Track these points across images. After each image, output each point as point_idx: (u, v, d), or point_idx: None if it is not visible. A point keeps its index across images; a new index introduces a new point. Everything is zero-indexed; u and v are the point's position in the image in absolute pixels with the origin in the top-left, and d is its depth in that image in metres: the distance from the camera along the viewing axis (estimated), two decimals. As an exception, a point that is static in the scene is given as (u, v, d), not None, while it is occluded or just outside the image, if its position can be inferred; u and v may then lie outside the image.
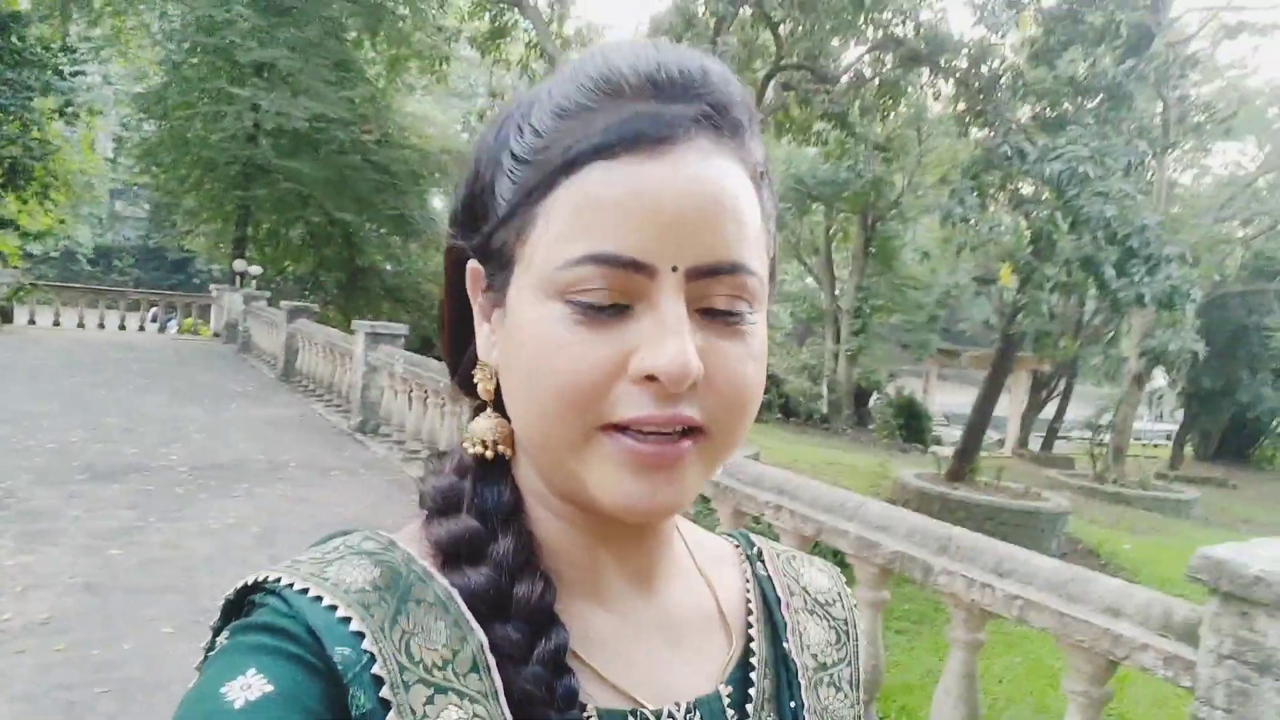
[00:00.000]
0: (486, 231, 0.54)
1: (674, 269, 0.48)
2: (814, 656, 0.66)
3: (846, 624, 0.70)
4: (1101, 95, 13.10)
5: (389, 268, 21.07)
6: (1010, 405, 28.47)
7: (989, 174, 12.74)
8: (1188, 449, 29.72)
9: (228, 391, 11.93)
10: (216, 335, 20.12)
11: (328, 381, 11.71)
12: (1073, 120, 12.87)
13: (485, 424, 0.57)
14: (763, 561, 0.69)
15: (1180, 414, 29.98)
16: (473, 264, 0.56)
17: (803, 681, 0.64)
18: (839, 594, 0.71)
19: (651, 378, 0.48)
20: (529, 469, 0.57)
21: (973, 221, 12.26)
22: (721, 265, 0.49)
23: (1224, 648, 2.25)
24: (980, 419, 19.82)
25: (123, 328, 20.41)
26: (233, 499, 6.48)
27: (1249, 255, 23.91)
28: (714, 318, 0.51)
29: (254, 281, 19.06)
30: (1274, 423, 29.41)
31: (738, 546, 0.70)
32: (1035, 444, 29.10)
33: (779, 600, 0.67)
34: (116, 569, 4.82)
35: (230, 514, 6.06)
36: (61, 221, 20.16)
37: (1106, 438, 22.92)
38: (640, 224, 0.48)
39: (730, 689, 0.60)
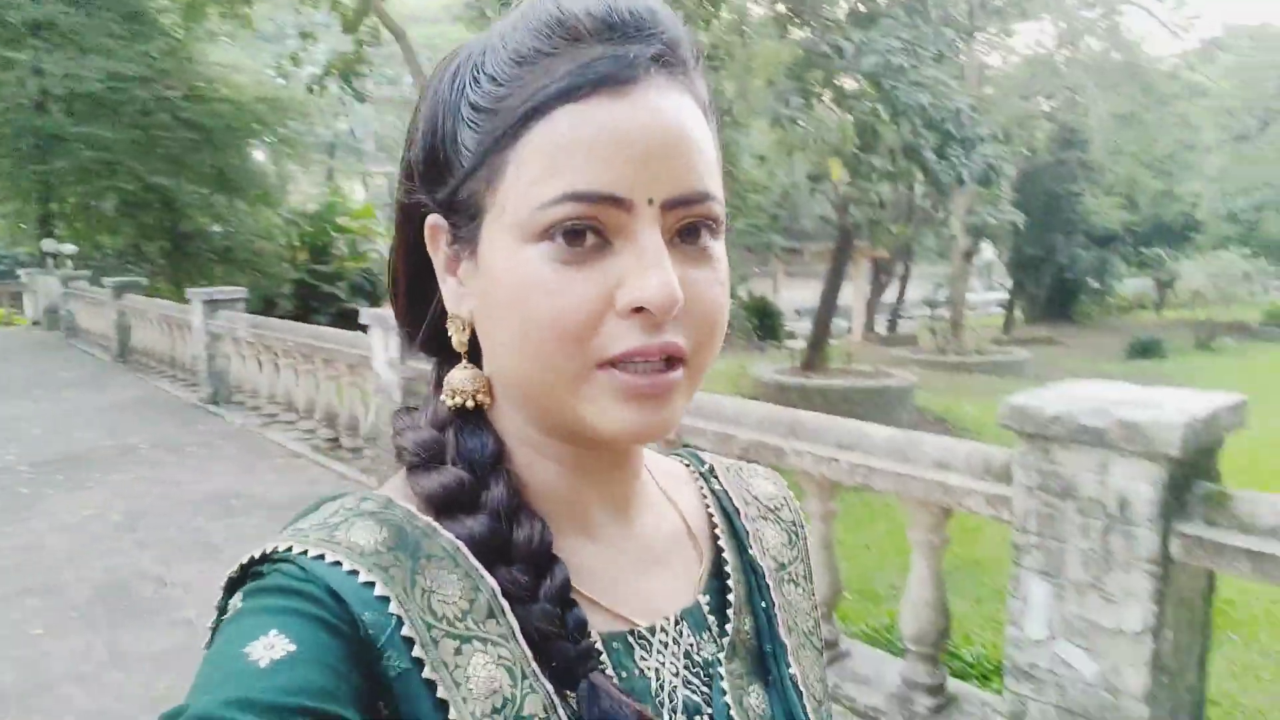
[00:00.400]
0: (453, 184, 0.55)
1: (649, 201, 0.50)
2: (774, 559, 0.70)
3: (795, 524, 0.74)
4: (905, -13, 13.54)
5: (217, 229, 19.94)
6: (854, 294, 29.75)
7: (811, 73, 13.10)
8: (1018, 314, 31.96)
9: (59, 380, 11.20)
10: (36, 323, 18.68)
11: (168, 356, 11.15)
12: (885, 14, 13.30)
13: (464, 375, 0.58)
14: (716, 477, 0.73)
15: (1009, 283, 32.03)
16: (433, 219, 0.57)
17: (770, 583, 0.68)
18: (784, 498, 0.76)
19: (639, 309, 0.50)
20: (512, 414, 0.58)
21: (799, 122, 12.63)
22: (692, 195, 0.52)
23: (1031, 481, 2.56)
24: (826, 310, 20.69)
25: (-76, 328, 18.65)
26: (85, 490, 6.19)
27: (1054, 128, 25.50)
28: (683, 245, 0.53)
29: (69, 261, 17.73)
30: (1088, 281, 31.92)
31: (689, 465, 0.74)
32: (882, 327, 30.61)
33: (736, 511, 0.71)
34: (-31, 579, 4.58)
35: (85, 506, 5.81)
36: None
37: (944, 312, 24.37)
38: (613, 160, 0.50)
39: (708, 598, 0.65)
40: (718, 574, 0.66)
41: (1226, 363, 21.58)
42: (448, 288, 0.58)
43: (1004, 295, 32.71)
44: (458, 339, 0.58)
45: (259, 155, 22.23)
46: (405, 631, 0.49)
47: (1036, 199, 25.70)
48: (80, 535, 5.26)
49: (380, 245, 20.43)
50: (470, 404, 0.58)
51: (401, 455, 0.58)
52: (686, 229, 0.52)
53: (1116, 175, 21.03)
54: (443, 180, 0.55)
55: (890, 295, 31.38)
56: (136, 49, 17.23)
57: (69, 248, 17.85)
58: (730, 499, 0.72)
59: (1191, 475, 2.39)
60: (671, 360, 0.52)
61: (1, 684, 3.49)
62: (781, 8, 14.52)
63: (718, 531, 0.69)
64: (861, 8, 14.10)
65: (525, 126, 0.51)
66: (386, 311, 6.05)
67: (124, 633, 3.95)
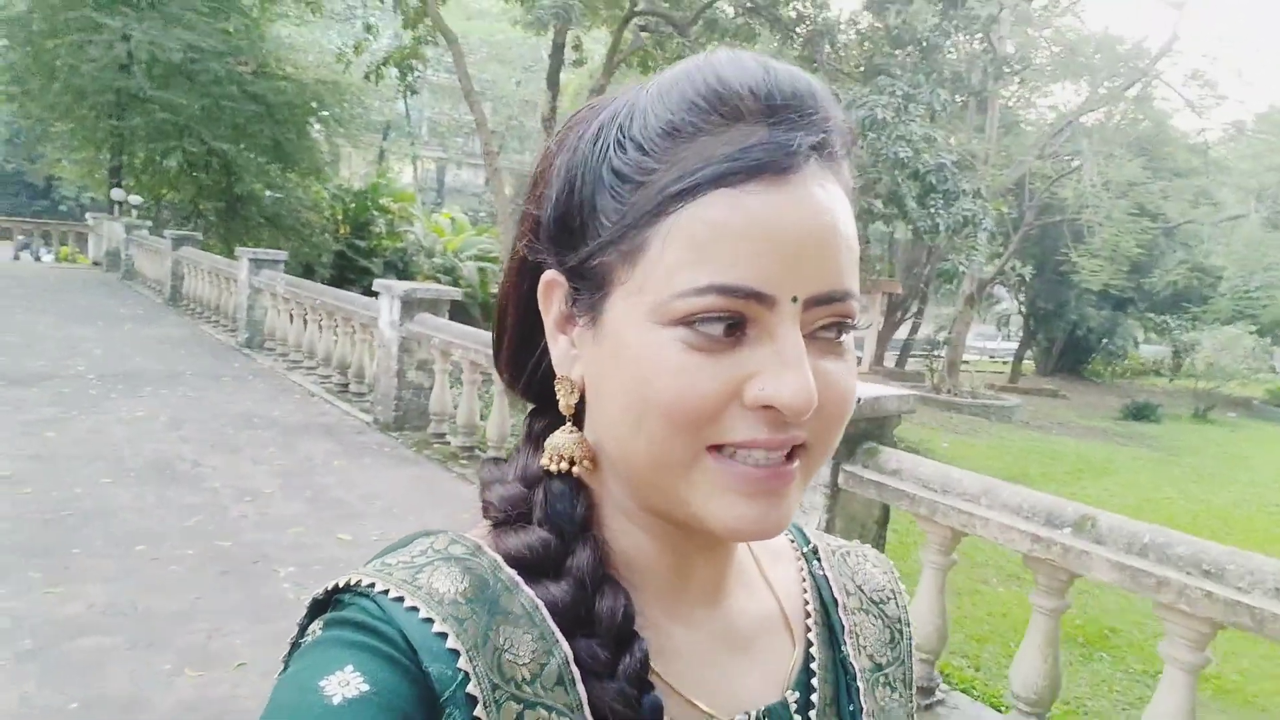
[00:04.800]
0: (586, 252, 0.53)
1: (794, 299, 0.49)
2: (870, 658, 0.66)
3: (900, 622, 0.70)
4: (911, 47, 14.85)
5: (268, 196, 21.54)
6: (867, 326, 30.85)
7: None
8: (1030, 364, 32.81)
9: (118, 315, 12.81)
10: (96, 264, 20.43)
11: (214, 304, 12.72)
12: (887, 69, 14.58)
13: (568, 439, 0.57)
14: (819, 559, 0.69)
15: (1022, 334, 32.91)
16: (551, 274, 0.56)
17: (861, 685, 0.64)
18: (893, 591, 0.71)
19: (769, 407, 0.49)
20: (614, 483, 0.57)
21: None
22: (835, 294, 0.50)
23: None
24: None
25: (-4, 256, 20.50)
26: (140, 398, 7.70)
27: (1074, 186, 26.48)
28: (819, 337, 0.51)
29: (133, 210, 19.43)
30: (1103, 340, 32.69)
31: (793, 541, 0.70)
32: (891, 361, 31.55)
33: (835, 601, 0.67)
34: (54, 445, 6.08)
35: (140, 409, 7.32)
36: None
37: (944, 353, 25.40)
38: (763, 254, 0.48)
39: (797, 695, 0.61)
40: (809, 669, 0.63)
41: (1216, 433, 22.39)
42: (558, 346, 0.56)
43: (1019, 345, 33.49)
44: (565, 401, 0.57)
45: (317, 129, 23.84)
46: (470, 689, 0.48)
47: (1052, 255, 26.65)
48: (136, 428, 6.75)
49: (417, 229, 21.99)
50: (575, 470, 0.57)
51: (488, 510, 0.58)
52: (829, 324, 0.51)
53: (1103, 240, 22.04)
54: (574, 245, 0.54)
55: (904, 331, 32.34)
56: (216, 25, 18.92)
57: (135, 198, 19.56)
58: (830, 587, 0.68)
59: (862, 436, 3.74)
60: (792, 451, 0.51)
61: (84, 509, 4.95)
62: (796, 53, 15.87)
63: (811, 622, 0.65)
64: (871, 61, 15.41)
65: (674, 206, 0.49)
66: (392, 282, 7.50)
67: (167, 489, 5.40)
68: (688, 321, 0.49)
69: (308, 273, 17.38)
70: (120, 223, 18.38)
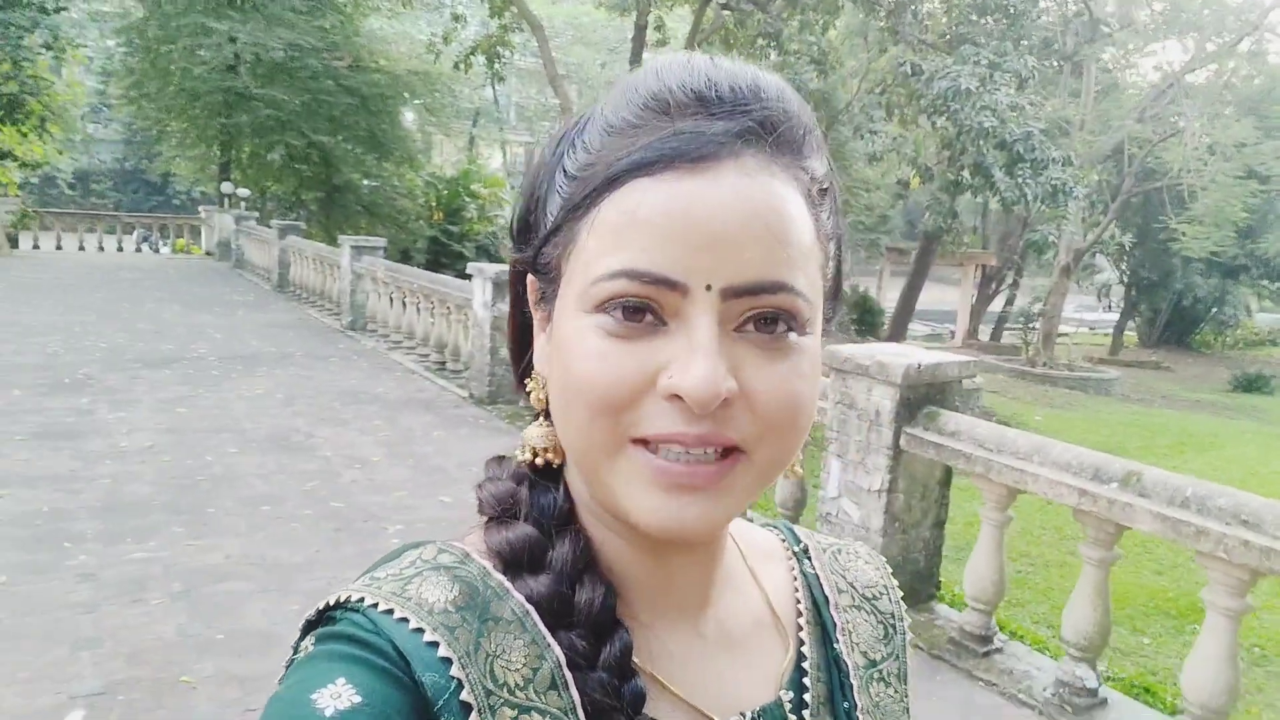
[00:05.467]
0: (535, 246, 0.55)
1: (708, 288, 0.48)
2: (864, 654, 0.66)
3: (893, 617, 0.70)
4: (998, 14, 14.59)
5: (366, 185, 22.46)
6: (960, 298, 30.30)
7: (896, 89, 14.34)
8: (1133, 336, 31.72)
9: (232, 302, 13.69)
10: (209, 254, 21.68)
11: (319, 290, 13.47)
12: (973, 38, 14.37)
13: (537, 432, 0.58)
14: (809, 558, 0.69)
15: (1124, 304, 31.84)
16: (530, 277, 0.57)
17: (854, 682, 0.64)
18: (885, 586, 0.71)
19: (678, 397, 0.48)
20: (577, 480, 0.57)
21: (879, 133, 13.91)
22: (760, 284, 0.49)
23: (835, 398, 4.15)
24: (905, 308, 21.79)
25: (120, 249, 21.96)
26: (256, 377, 8.35)
27: (1176, 150, 25.41)
28: (758, 334, 0.50)
29: (242, 203, 20.54)
30: (1211, 310, 31.34)
31: (784, 541, 0.70)
32: (986, 335, 30.93)
33: (827, 599, 0.67)
34: (185, 419, 6.71)
35: (258, 387, 7.95)
36: (60, 152, 21.45)
37: (1038, 325, 24.84)
38: (675, 241, 0.48)
39: (790, 694, 0.61)
40: (802, 668, 0.63)
41: (1333, 406, 21.40)
42: (538, 344, 0.58)
43: (1120, 316, 32.45)
44: (535, 395, 0.58)
45: (409, 118, 24.65)
46: (464, 696, 0.48)
47: (1156, 223, 25.71)
48: (254, 404, 7.36)
49: (507, 213, 22.61)
50: (540, 461, 0.58)
51: (481, 507, 0.58)
52: (763, 318, 0.50)
53: (1206, 205, 21.15)
54: (528, 241, 0.56)
55: (1000, 304, 31.64)
56: (313, 23, 19.79)
57: (243, 191, 20.68)
58: (821, 586, 0.68)
59: (924, 400, 3.95)
60: (728, 452, 0.50)
61: (215, 474, 5.51)
62: (881, 23, 15.74)
63: (803, 621, 0.65)
64: (955, 29, 15.20)
65: (600, 197, 0.50)
66: (485, 265, 7.93)
67: (285, 458, 5.94)
68: (605, 308, 0.49)
69: (404, 258, 18.12)
70: (230, 214, 19.47)
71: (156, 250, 23.61)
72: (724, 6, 17.03)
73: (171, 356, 9.05)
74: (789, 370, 0.51)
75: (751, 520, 0.73)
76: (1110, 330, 33.51)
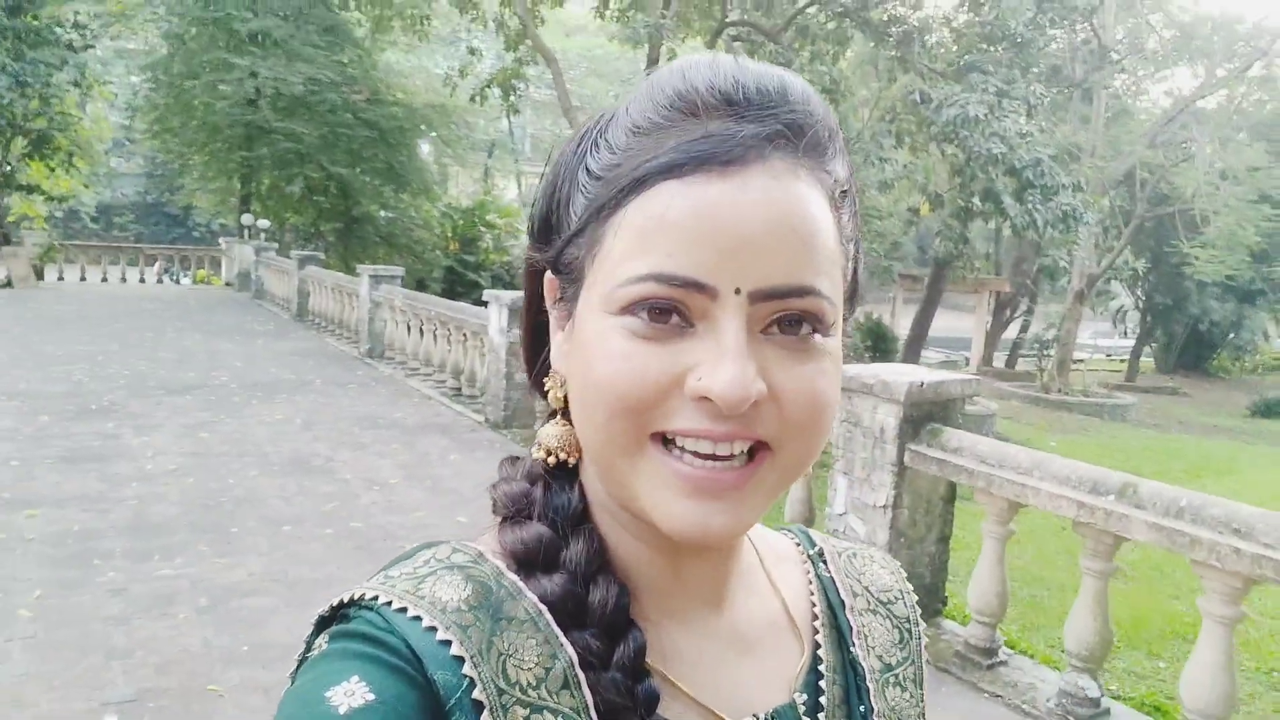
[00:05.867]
0: (558, 246, 0.55)
1: (736, 291, 0.48)
2: (879, 658, 0.66)
3: (908, 621, 0.70)
4: (1005, 43, 14.78)
5: (383, 216, 22.79)
6: (975, 325, 30.31)
7: (905, 117, 14.52)
8: (1150, 361, 31.59)
9: (252, 331, 13.93)
10: (229, 285, 22.01)
11: (338, 318, 13.69)
12: (981, 66, 14.55)
13: (552, 431, 0.58)
14: (825, 562, 0.70)
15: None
16: (549, 275, 0.57)
17: (870, 686, 0.64)
18: (901, 591, 0.71)
19: (706, 399, 0.48)
20: (595, 480, 0.57)
21: (889, 160, 14.08)
22: (787, 289, 0.49)
23: (841, 416, 4.26)
24: (918, 334, 21.82)
25: (142, 280, 22.37)
26: (276, 404, 8.53)
27: (1186, 176, 25.46)
28: (783, 335, 0.50)
29: (262, 234, 20.90)
30: (1229, 335, 31.20)
31: (799, 544, 0.71)
32: (1001, 362, 30.85)
33: (843, 603, 0.67)
34: (208, 444, 6.87)
35: (277, 413, 8.12)
36: (86, 186, 21.94)
37: (1053, 352, 24.81)
38: (704, 244, 0.48)
39: (805, 696, 0.61)
40: (817, 671, 0.63)
41: (1352, 431, 21.21)
42: (555, 343, 0.58)
43: (1136, 341, 32.36)
44: (553, 394, 0.58)
45: (426, 150, 25.02)
46: (476, 695, 0.49)
47: (1164, 248, 25.72)
48: (275, 429, 7.52)
49: (522, 242, 22.88)
50: (554, 460, 0.58)
51: (495, 506, 0.59)
52: (788, 319, 0.50)
53: (1218, 229, 21.19)
54: (550, 241, 0.56)
55: (1014, 331, 31.58)
56: (332, 58, 20.22)
57: (263, 223, 21.03)
58: (837, 589, 0.68)
59: (927, 418, 4.05)
60: (754, 452, 0.51)
61: (238, 496, 5.66)
62: (891, 53, 15.97)
63: (818, 624, 0.65)
64: (964, 58, 15.39)
65: (627, 198, 0.50)
66: (501, 292, 8.10)
67: (305, 480, 6.09)
68: (632, 310, 0.49)
69: (420, 288, 18.34)
70: (250, 245, 19.81)
71: (177, 281, 24.02)
72: (735, 39, 17.32)
73: (193, 384, 9.25)
74: (814, 371, 0.51)
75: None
76: (1126, 356, 33.38)
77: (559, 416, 0.59)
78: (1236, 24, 23.91)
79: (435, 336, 10.10)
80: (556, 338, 0.58)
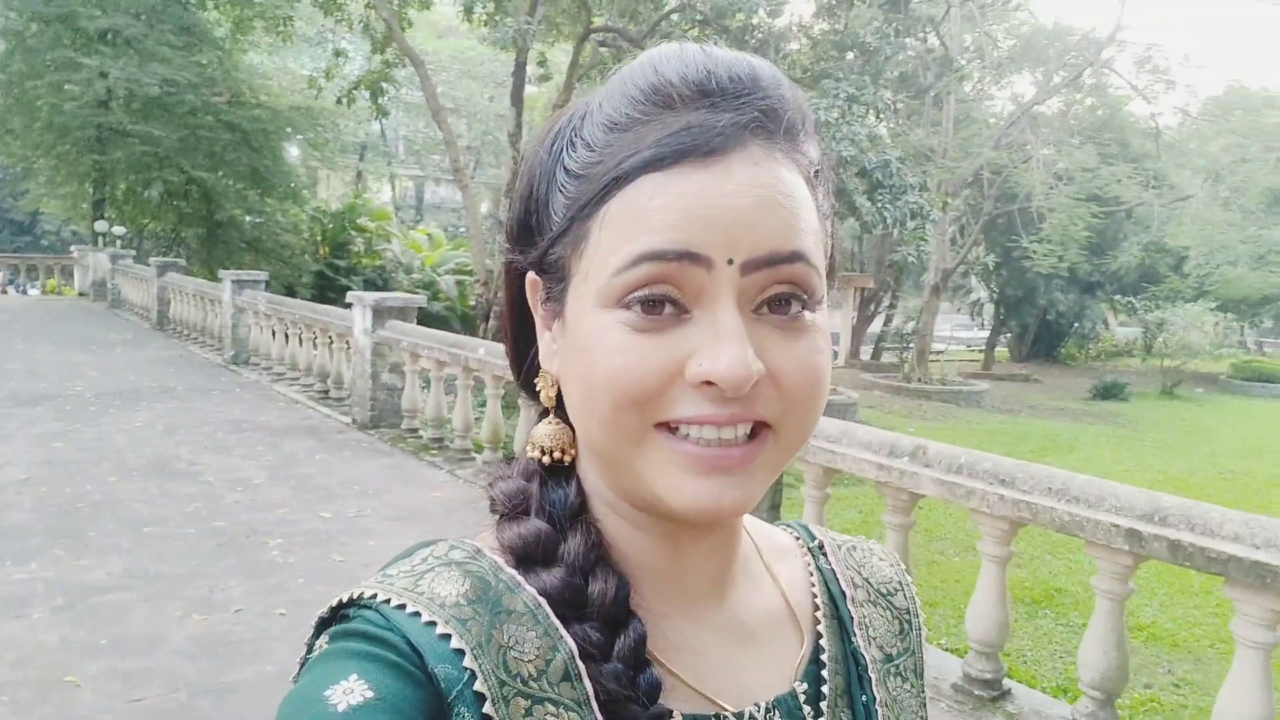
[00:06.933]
0: (542, 246, 0.55)
1: (729, 261, 0.49)
2: (880, 649, 0.67)
3: (908, 613, 0.71)
4: (855, 51, 15.63)
5: (248, 220, 22.19)
6: (842, 320, 31.54)
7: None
8: (1005, 351, 33.53)
9: (109, 340, 13.46)
10: (83, 294, 21.04)
11: (200, 325, 13.38)
12: (833, 73, 15.33)
13: (545, 430, 0.59)
14: (825, 554, 0.70)
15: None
16: (532, 275, 0.57)
17: (872, 675, 0.65)
18: (900, 582, 0.72)
19: (709, 383, 0.49)
20: (595, 474, 0.58)
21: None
22: (779, 254, 0.50)
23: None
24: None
25: (-15, 292, 21.14)
26: (136, 411, 8.38)
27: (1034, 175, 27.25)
28: (774, 312, 0.51)
29: (117, 241, 20.06)
30: (1074, 324, 33.41)
31: (798, 538, 0.71)
32: (868, 354, 32.13)
33: (843, 594, 0.68)
34: (63, 453, 6.75)
35: (138, 420, 7.99)
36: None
37: (913, 343, 26.07)
38: (692, 221, 0.49)
39: (805, 686, 0.62)
40: (818, 661, 0.64)
41: (1182, 409, 22.86)
42: (543, 342, 0.58)
43: (991, 332, 34.18)
44: (545, 394, 0.59)
45: (293, 153, 24.46)
46: (477, 687, 0.49)
47: (1013, 244, 27.41)
48: (135, 435, 7.42)
49: (394, 246, 22.67)
50: (549, 460, 0.58)
51: (493, 505, 0.59)
52: (776, 299, 0.51)
53: (1052, 225, 22.89)
54: (532, 242, 0.56)
55: (880, 324, 32.92)
56: (190, 58, 19.59)
57: (118, 229, 20.19)
58: (838, 580, 0.69)
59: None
60: (755, 431, 0.51)
61: (95, 500, 5.63)
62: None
63: (819, 615, 0.66)
64: (818, 65, 16.19)
65: (610, 194, 0.51)
66: (364, 293, 8.20)
67: (167, 483, 6.09)
68: (626, 303, 0.50)
69: (289, 294, 17.98)
70: (105, 253, 19.01)
71: (24, 292, 22.76)
72: (601, 44, 17.68)
73: (46, 394, 8.97)
74: (808, 348, 0.52)
75: None
76: (984, 347, 35.24)
77: (550, 415, 0.60)
78: (1068, 35, 25.75)
79: (301, 340, 10.06)
80: (544, 338, 0.58)
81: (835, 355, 31.34)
